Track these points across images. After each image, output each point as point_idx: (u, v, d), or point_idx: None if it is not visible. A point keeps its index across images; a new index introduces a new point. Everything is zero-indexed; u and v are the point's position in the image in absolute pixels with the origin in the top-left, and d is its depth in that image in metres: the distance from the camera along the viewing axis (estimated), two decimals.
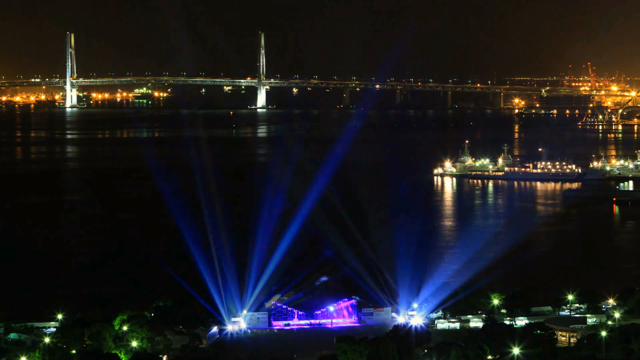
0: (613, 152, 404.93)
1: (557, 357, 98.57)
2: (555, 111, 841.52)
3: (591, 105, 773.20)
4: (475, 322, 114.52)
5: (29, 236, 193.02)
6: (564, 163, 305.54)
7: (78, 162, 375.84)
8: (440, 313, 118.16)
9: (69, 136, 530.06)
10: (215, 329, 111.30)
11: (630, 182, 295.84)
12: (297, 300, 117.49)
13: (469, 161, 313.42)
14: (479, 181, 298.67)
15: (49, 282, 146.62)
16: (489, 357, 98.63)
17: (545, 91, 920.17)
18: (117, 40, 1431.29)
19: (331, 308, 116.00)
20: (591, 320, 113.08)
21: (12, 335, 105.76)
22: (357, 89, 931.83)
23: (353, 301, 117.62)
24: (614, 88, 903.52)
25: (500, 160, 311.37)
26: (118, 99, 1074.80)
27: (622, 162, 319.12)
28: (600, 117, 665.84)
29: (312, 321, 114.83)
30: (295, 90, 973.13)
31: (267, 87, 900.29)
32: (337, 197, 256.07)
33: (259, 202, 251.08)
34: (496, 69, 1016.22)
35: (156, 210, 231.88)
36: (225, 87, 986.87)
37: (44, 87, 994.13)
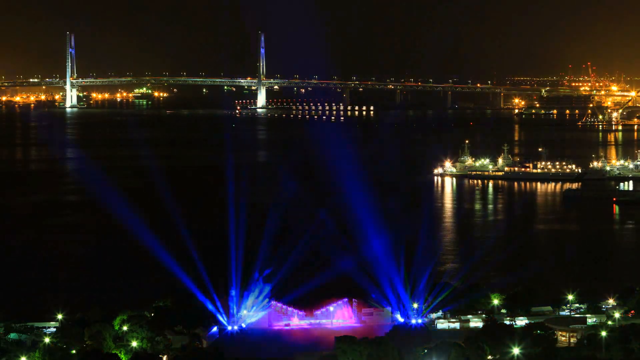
0: (613, 152, 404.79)
1: (557, 357, 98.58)
2: (555, 111, 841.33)
3: (591, 105, 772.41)
4: (475, 322, 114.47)
5: (29, 236, 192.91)
6: (564, 163, 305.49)
7: (77, 162, 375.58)
8: (440, 313, 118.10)
9: (69, 136, 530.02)
10: (215, 329, 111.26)
11: (630, 182, 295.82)
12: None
13: (469, 161, 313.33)
14: (479, 181, 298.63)
15: (49, 282, 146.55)
16: (489, 357, 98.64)
17: (545, 91, 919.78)
18: (117, 40, 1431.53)
19: (331, 308, 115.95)
20: (591, 320, 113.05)
21: (12, 335, 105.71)
22: (360, 89, 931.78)
23: (354, 301, 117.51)
24: (614, 88, 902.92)
25: (500, 160, 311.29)
26: (118, 99, 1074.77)
27: (622, 162, 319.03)
28: (600, 117, 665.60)
29: (312, 321, 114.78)
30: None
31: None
32: (337, 197, 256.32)
33: (258, 201, 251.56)
34: (496, 69, 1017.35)
35: (156, 210, 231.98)
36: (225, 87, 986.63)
37: (44, 87, 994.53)
